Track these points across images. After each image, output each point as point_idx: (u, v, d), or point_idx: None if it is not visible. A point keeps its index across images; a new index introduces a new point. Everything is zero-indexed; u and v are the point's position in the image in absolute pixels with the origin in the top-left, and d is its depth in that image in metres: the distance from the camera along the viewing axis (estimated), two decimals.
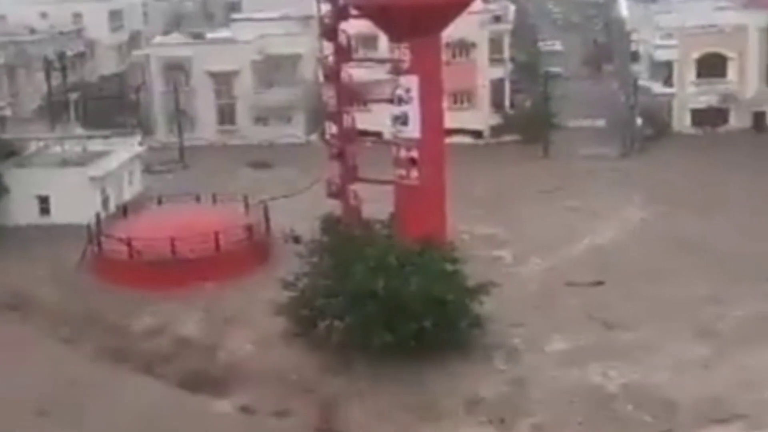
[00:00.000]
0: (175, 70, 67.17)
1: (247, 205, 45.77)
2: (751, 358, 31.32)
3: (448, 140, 44.52)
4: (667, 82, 63.63)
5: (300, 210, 45.33)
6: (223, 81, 67.29)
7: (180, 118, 64.48)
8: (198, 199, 46.97)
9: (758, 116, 62.73)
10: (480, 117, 64.64)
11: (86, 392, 31.54)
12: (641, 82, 64.11)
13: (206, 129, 67.17)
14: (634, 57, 66.44)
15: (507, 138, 63.55)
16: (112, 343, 35.07)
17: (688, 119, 63.55)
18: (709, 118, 63.03)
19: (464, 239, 41.07)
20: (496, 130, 64.72)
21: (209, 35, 71.03)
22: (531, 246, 43.08)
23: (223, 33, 71.46)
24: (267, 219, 44.48)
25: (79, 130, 61.17)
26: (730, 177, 51.99)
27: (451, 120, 46.48)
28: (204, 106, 67.34)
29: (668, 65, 63.40)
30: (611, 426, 28.48)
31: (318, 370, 32.08)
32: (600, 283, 38.67)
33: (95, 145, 52.37)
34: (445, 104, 42.47)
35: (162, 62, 67.75)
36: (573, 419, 28.75)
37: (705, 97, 62.96)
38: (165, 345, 34.80)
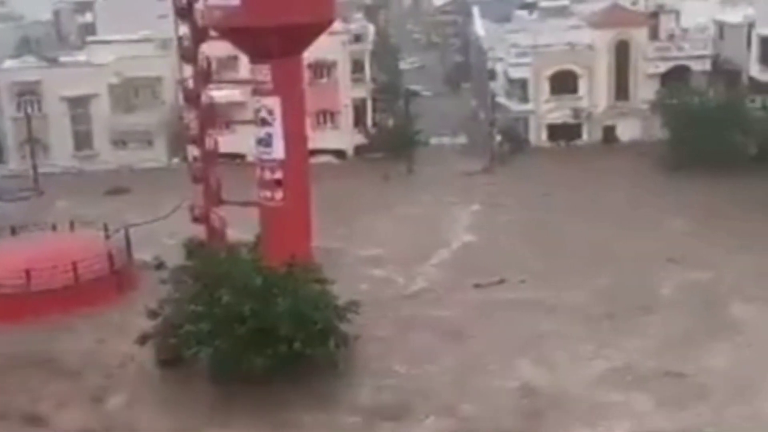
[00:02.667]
0: (27, 95, 64.87)
1: (107, 233, 44.49)
2: None
3: (312, 160, 44.60)
4: (523, 99, 65.62)
5: (163, 235, 44.39)
6: (79, 105, 65.34)
7: (33, 144, 62.23)
8: (54, 227, 45.37)
9: (608, 130, 65.42)
10: (343, 136, 65.00)
11: None
12: (499, 100, 65.98)
13: (62, 155, 64.97)
14: (491, 75, 68.32)
15: (371, 157, 64.11)
16: None
17: (544, 134, 65.67)
18: (563, 132, 65.32)
19: (334, 257, 41.18)
20: (359, 150, 65.23)
21: (63, 58, 68.93)
22: (408, 259, 43.86)
23: (78, 56, 69.48)
24: (129, 246, 43.34)
25: None
26: (582, 184, 55.02)
27: (314, 140, 46.57)
28: (59, 131, 65.16)
29: (523, 83, 65.40)
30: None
31: (185, 401, 31.46)
32: (502, 281, 40.29)
33: None
34: (308, 124, 42.55)
35: (12, 87, 65.28)
36: None
37: (559, 112, 65.21)
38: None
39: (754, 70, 59.38)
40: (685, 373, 31.65)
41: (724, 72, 63.82)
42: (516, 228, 48.33)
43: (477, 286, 40.24)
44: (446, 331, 35.99)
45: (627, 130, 64.94)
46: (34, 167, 60.77)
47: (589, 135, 65.56)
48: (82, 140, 66.01)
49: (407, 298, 40.00)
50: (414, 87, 79.59)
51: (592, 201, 51.69)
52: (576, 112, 65.18)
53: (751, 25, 59.97)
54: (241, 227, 40.04)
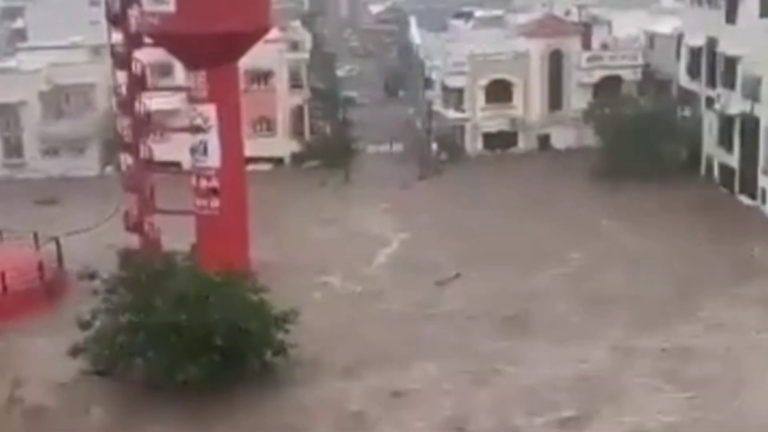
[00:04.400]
0: None
1: (37, 243, 43.55)
2: None
3: (248, 168, 44.34)
4: (459, 107, 66.11)
5: (96, 245, 43.61)
6: (7, 113, 63.98)
7: None
8: None
9: (543, 138, 66.26)
10: (280, 144, 64.73)
11: None
12: (435, 108, 66.35)
13: None
14: (428, 84, 68.69)
15: (308, 165, 63.94)
16: None
17: (480, 143, 66.22)
18: (499, 141, 65.94)
19: (275, 266, 40.95)
20: (296, 157, 65.02)
21: None
22: (353, 264, 44.04)
23: (8, 62, 68.03)
24: (60, 256, 42.48)
25: None
26: (513, 187, 56.54)
27: (251, 148, 46.30)
28: None
29: (459, 91, 65.89)
30: None
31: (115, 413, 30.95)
32: (458, 275, 41.37)
33: None
34: (244, 132, 42.31)
35: None
36: None
37: (494, 121, 65.83)
38: None
39: (683, 79, 60.70)
40: None
41: (655, 81, 65.15)
42: (449, 229, 49.02)
43: (439, 283, 41.00)
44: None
45: (561, 139, 65.83)
46: None
47: (524, 143, 66.31)
48: (12, 148, 64.64)
49: (362, 298, 40.16)
50: (351, 94, 79.69)
51: (522, 204, 52.63)
52: (511, 121, 65.89)
53: (680, 36, 61.32)
54: (176, 236, 39.57)
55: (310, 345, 33.59)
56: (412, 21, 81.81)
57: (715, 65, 55.63)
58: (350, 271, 43.31)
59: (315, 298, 39.19)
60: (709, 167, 56.31)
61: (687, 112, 59.13)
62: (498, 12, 78.88)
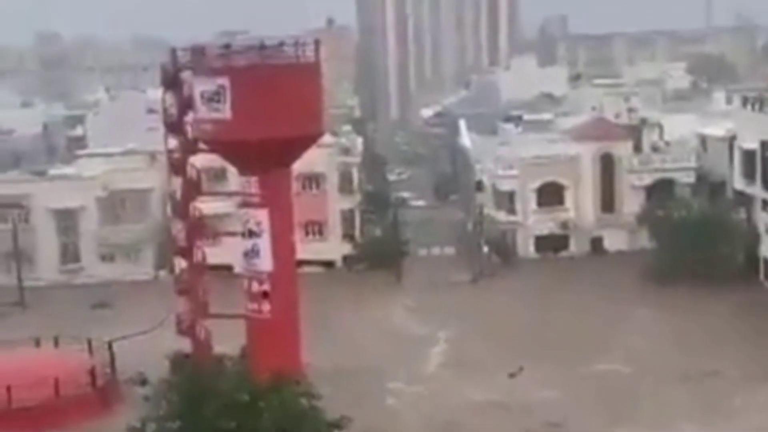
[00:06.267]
0: (15, 208, 64.74)
1: (90, 348, 43.69)
2: None
3: (300, 271, 44.30)
4: (511, 210, 65.96)
5: (149, 350, 43.55)
6: (66, 218, 65.29)
7: (18, 257, 61.82)
8: (38, 343, 44.57)
9: (596, 241, 65.60)
10: (332, 247, 64.93)
11: None
12: (486, 211, 66.31)
13: (47, 268, 64.52)
14: (479, 187, 68.86)
15: (359, 267, 63.89)
16: None
17: (532, 246, 65.78)
18: (551, 244, 65.49)
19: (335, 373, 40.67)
20: (348, 260, 65.07)
21: (51, 171, 69.20)
22: (409, 369, 43.93)
23: (67, 169, 69.80)
24: (112, 361, 42.51)
25: None
26: (565, 291, 55.69)
27: (302, 251, 46.40)
28: (45, 244, 64.90)
29: (510, 194, 65.87)
30: None
31: None
32: (522, 368, 42.56)
33: None
34: (296, 235, 42.43)
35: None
36: None
37: (546, 224, 65.51)
38: None
39: (738, 182, 60.05)
40: None
41: (708, 184, 64.52)
42: (498, 330, 48.84)
43: (511, 375, 42.14)
44: None
45: (614, 241, 65.16)
46: (19, 281, 60.23)
47: (576, 246, 65.71)
48: (69, 253, 65.66)
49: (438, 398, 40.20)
50: (402, 198, 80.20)
51: (574, 308, 51.87)
52: (563, 224, 65.48)
53: (732, 139, 60.95)
54: (227, 340, 39.39)
55: None
56: (462, 125, 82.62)
57: None
58: (413, 373, 43.09)
59: (390, 405, 38.92)
60: None
61: (743, 215, 58.27)
62: (547, 115, 79.44)
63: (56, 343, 44.48)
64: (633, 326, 48.90)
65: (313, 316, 41.41)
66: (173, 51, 41.47)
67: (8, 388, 37.70)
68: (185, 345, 40.17)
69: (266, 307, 39.07)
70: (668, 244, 57.14)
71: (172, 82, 40.93)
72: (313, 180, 63.92)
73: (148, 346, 44.20)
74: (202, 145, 40.81)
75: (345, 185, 66.02)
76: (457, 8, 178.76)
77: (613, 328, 48.33)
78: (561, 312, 51.33)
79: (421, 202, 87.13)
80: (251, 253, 39.43)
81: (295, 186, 50.58)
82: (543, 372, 42.65)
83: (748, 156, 58.10)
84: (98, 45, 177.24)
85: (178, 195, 42.15)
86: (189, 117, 40.60)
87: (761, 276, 55.68)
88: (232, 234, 42.81)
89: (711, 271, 53.19)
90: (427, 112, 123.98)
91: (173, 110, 41.33)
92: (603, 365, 43.37)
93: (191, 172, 41.61)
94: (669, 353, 44.61)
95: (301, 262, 45.67)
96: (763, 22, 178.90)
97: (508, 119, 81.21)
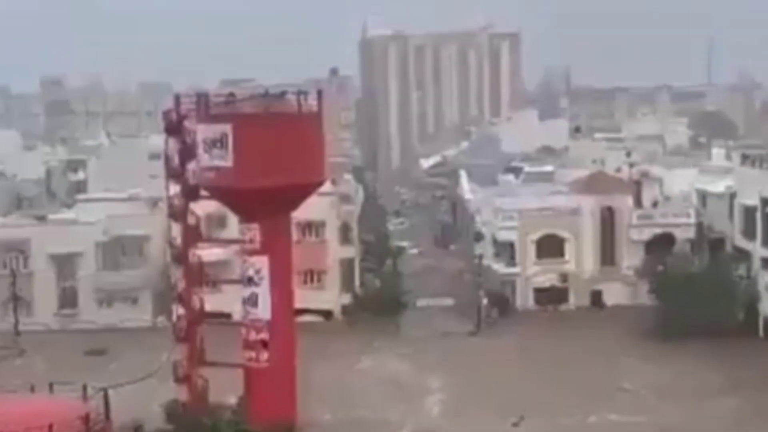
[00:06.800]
0: (14, 252, 64.67)
1: (85, 394, 43.22)
2: None
3: (298, 320, 44.11)
4: (510, 262, 65.87)
5: (145, 397, 43.21)
6: (65, 263, 65.12)
7: (16, 302, 61.59)
8: (32, 389, 44.11)
9: (595, 295, 65.40)
10: (330, 296, 64.65)
11: None
12: (486, 262, 66.23)
13: (45, 313, 64.16)
14: (478, 237, 68.86)
15: (357, 317, 63.58)
16: None
17: (531, 298, 65.57)
18: (550, 296, 65.25)
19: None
20: (346, 310, 64.79)
21: (52, 216, 69.21)
22: (412, 420, 43.43)
23: (67, 214, 69.83)
24: (107, 408, 42.01)
25: None
26: (563, 345, 55.01)
27: (300, 300, 46.22)
28: (43, 289, 64.58)
29: (510, 246, 65.82)
30: None
31: None
32: (522, 418, 42.31)
33: None
34: (294, 284, 42.33)
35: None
36: None
37: (546, 276, 65.35)
38: None
39: (738, 239, 60.06)
40: None
41: (708, 240, 64.50)
42: (494, 382, 48.47)
43: (515, 425, 42.02)
44: None
45: (613, 295, 64.93)
46: (16, 326, 59.92)
47: (576, 299, 65.51)
48: (67, 298, 65.38)
49: None
50: (401, 247, 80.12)
51: (570, 364, 51.35)
52: (563, 276, 65.35)
53: (732, 195, 61.08)
54: (224, 388, 39.09)
55: None
56: (463, 175, 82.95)
57: None
58: (411, 424, 42.67)
59: None
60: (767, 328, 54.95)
61: (742, 272, 58.17)
62: (548, 167, 79.80)
63: (51, 389, 44.01)
64: (629, 379, 48.56)
65: (310, 366, 41.09)
66: (177, 97, 41.77)
67: None
68: (182, 393, 39.84)
69: (264, 355, 38.86)
70: (668, 299, 56.93)
71: (175, 128, 41.15)
72: (312, 228, 63.88)
73: (144, 394, 43.84)
74: (203, 192, 40.91)
75: (345, 234, 65.98)
76: (460, 59, 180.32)
77: (609, 383, 47.95)
78: (559, 365, 50.98)
79: (420, 252, 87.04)
80: (250, 301, 39.33)
81: (295, 234, 50.62)
82: (543, 423, 42.33)
83: (749, 212, 58.18)
84: (103, 90, 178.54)
85: (178, 241, 42.13)
86: (191, 164, 40.73)
87: (761, 333, 55.41)
88: (232, 282, 42.74)
89: (711, 328, 52.91)
90: (427, 163, 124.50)
91: (175, 156, 41.49)
92: (597, 416, 43.21)
93: (191, 219, 41.65)
94: (663, 407, 44.25)
95: (299, 311, 45.50)
96: (763, 81, 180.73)
97: (509, 170, 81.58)
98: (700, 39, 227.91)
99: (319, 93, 40.31)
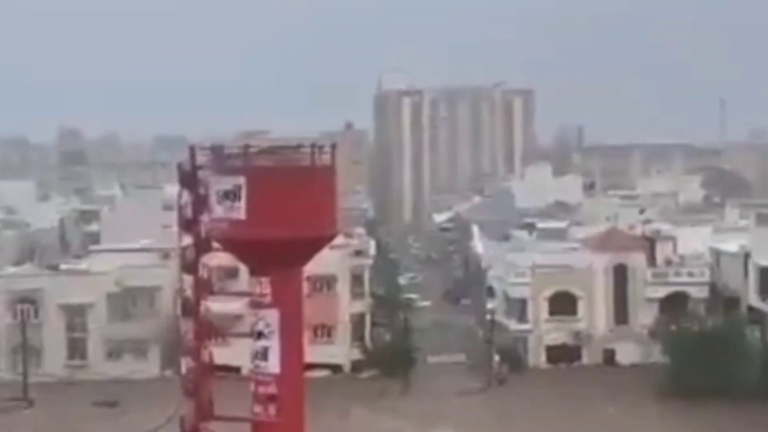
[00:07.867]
0: (25, 302, 64.59)
1: None
2: None
3: (307, 375, 43.66)
4: (522, 318, 65.36)
5: None
6: (75, 314, 65.00)
7: (25, 352, 61.38)
8: None
9: (608, 353, 64.72)
10: (340, 351, 64.20)
11: None
12: (497, 318, 65.77)
13: (54, 364, 63.89)
14: (490, 293, 68.47)
15: (366, 374, 63.00)
16: None
17: (543, 355, 64.92)
18: (563, 354, 64.62)
19: None
20: (356, 365, 64.25)
21: (64, 266, 69.30)
22: None
23: (79, 264, 69.90)
24: None
25: None
26: (575, 406, 53.97)
27: (310, 354, 45.75)
28: (53, 339, 64.43)
29: (522, 302, 65.36)
30: None
31: None
32: None
33: None
34: (305, 338, 42.00)
35: (10, 295, 65.12)
36: None
37: (558, 334, 64.78)
38: None
39: (753, 298, 59.48)
40: None
41: (722, 299, 63.91)
42: None
43: None
44: None
45: (626, 354, 64.27)
46: (24, 377, 59.67)
47: (588, 357, 64.82)
48: (77, 349, 65.11)
49: None
50: (412, 303, 79.67)
51: (583, 426, 50.58)
52: (575, 334, 64.75)
53: (747, 255, 60.66)
54: None
55: None
56: (475, 230, 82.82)
57: None
58: None
59: None
60: None
61: (758, 333, 57.52)
62: (561, 224, 79.61)
63: None
64: None
65: (316, 421, 40.52)
66: (191, 148, 41.87)
67: None
68: None
69: (272, 410, 38.35)
70: (681, 359, 56.28)
71: (189, 180, 41.21)
72: (324, 282, 63.64)
73: None
74: (215, 244, 40.84)
75: (356, 288, 65.70)
76: (473, 115, 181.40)
77: None
78: (571, 424, 50.23)
79: (431, 306, 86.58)
80: (259, 355, 38.93)
81: (306, 287, 50.36)
82: None
83: (763, 273, 57.74)
84: (119, 142, 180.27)
85: (189, 293, 41.95)
86: (204, 215, 40.74)
87: None
88: (242, 335, 42.42)
89: (724, 389, 52.18)
90: (440, 217, 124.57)
91: (188, 208, 41.52)
92: None
93: (203, 271, 41.51)
94: None
95: (309, 366, 45.07)
96: None
97: (522, 226, 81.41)
98: (713, 97, 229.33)
99: (333, 147, 40.29)
